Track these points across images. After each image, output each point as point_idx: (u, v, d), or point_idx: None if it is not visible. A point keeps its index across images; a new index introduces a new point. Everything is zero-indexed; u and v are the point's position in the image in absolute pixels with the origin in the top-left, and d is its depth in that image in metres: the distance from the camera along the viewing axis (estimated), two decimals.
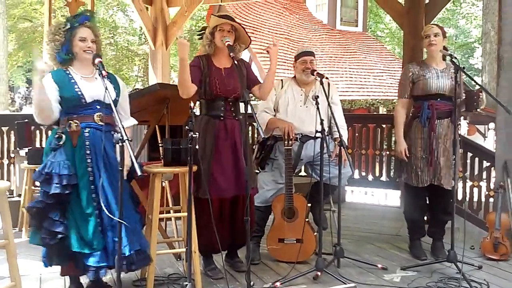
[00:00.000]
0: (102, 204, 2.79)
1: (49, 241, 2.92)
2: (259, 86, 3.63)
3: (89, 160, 2.98)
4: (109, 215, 2.81)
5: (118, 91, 3.11)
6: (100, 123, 3.01)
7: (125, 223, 2.77)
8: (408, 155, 3.91)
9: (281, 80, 4.20)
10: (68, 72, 3.04)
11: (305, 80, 4.01)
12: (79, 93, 2.97)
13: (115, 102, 2.99)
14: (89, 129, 2.99)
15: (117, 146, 2.85)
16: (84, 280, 3.18)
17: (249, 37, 3.61)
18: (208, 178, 3.40)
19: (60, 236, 2.91)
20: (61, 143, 2.96)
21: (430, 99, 3.85)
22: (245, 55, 3.72)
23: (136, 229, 3.10)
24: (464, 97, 3.90)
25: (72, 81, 3.00)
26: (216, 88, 3.46)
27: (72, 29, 3.04)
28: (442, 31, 3.87)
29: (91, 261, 2.93)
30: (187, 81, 3.36)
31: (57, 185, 2.87)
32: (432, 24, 4.06)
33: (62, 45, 3.03)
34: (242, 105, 3.10)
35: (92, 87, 3.02)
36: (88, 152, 2.98)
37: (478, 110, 3.78)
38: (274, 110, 4.04)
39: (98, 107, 3.00)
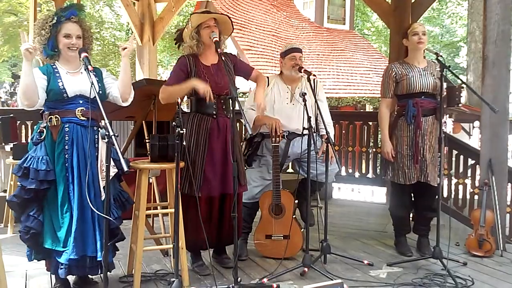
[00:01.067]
0: (75, 203, 2.81)
1: (24, 235, 2.93)
2: (257, 76, 3.67)
3: (66, 156, 2.95)
4: (96, 211, 2.81)
5: (101, 84, 3.08)
6: (82, 118, 2.98)
7: (111, 218, 2.78)
8: (394, 154, 3.94)
9: (267, 77, 4.19)
10: (54, 66, 3.02)
11: (293, 77, 4.00)
12: (61, 87, 2.94)
13: (101, 96, 2.94)
14: (69, 124, 2.97)
15: (100, 142, 2.86)
16: (71, 277, 3.15)
17: (232, 25, 3.58)
18: (200, 176, 3.39)
19: (32, 231, 2.90)
20: (42, 137, 2.95)
21: (414, 97, 3.88)
22: (232, 52, 3.68)
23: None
24: (445, 93, 3.94)
25: (57, 75, 2.98)
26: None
27: (57, 24, 3.00)
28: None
29: (63, 259, 2.92)
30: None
31: (33, 180, 2.86)
32: (418, 23, 4.08)
33: (47, 40, 3.00)
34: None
35: (75, 82, 2.99)
36: (66, 147, 2.95)
37: (459, 105, 3.81)
38: None
39: (81, 101, 2.98)
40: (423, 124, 3.86)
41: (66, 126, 2.96)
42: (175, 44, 3.67)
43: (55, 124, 2.95)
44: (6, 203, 2.95)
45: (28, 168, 2.89)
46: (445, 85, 3.78)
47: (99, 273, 3.05)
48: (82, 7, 3.23)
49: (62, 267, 2.93)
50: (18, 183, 2.96)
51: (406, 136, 3.92)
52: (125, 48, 2.99)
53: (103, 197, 2.93)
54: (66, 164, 2.94)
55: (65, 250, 2.90)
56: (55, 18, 3.01)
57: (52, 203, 2.94)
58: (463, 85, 3.86)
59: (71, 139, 2.95)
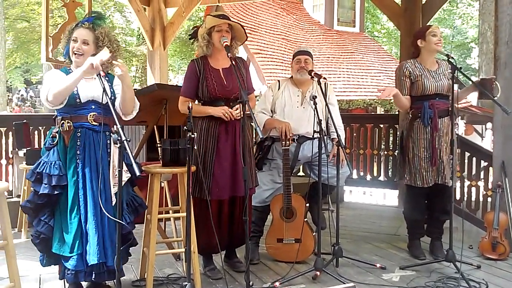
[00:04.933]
0: (90, 208, 2.82)
1: (35, 240, 2.95)
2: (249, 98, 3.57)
3: (78, 161, 2.96)
4: (108, 214, 2.82)
5: (113, 90, 3.11)
6: (94, 123, 3.00)
7: (123, 223, 2.79)
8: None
9: (278, 80, 4.20)
10: (71, 71, 3.05)
11: (300, 80, 4.01)
12: (75, 92, 2.96)
13: (113, 101, 2.97)
14: (81, 129, 2.98)
15: (112, 147, 2.88)
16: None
17: (246, 34, 3.61)
18: (209, 179, 3.41)
19: (42, 236, 2.92)
20: (54, 142, 2.97)
21: (429, 99, 3.86)
22: (243, 56, 3.70)
23: (114, 242, 2.95)
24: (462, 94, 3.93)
25: None
26: (215, 90, 3.46)
27: (74, 29, 3.07)
28: None
29: (69, 264, 2.93)
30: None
31: (46, 185, 2.88)
32: (436, 25, 4.03)
33: (65, 45, 3.10)
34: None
35: (88, 87, 3.01)
36: (78, 152, 2.97)
37: (495, 97, 3.75)
38: (271, 111, 4.04)
39: (93, 107, 3.00)
40: (439, 125, 3.84)
41: (78, 131, 2.97)
42: (190, 39, 3.69)
43: (67, 129, 2.97)
44: (20, 208, 2.98)
45: (41, 173, 2.90)
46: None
47: (108, 279, 3.04)
48: (101, 15, 3.24)
49: (68, 272, 2.94)
50: (32, 188, 2.98)
51: (423, 139, 3.89)
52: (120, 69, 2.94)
53: (113, 202, 2.94)
54: (78, 169, 2.96)
55: (72, 256, 2.91)
56: (75, 24, 3.09)
57: (62, 208, 2.96)
58: (494, 78, 3.81)
59: (83, 144, 2.97)
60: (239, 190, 3.48)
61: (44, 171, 2.90)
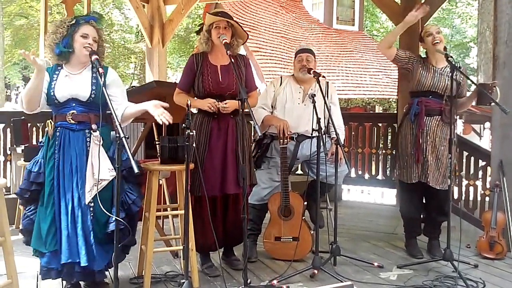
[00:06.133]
0: (65, 204, 2.90)
1: (21, 233, 3.04)
2: (249, 96, 3.54)
3: (54, 160, 2.99)
4: (107, 212, 2.83)
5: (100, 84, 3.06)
6: (72, 121, 2.99)
7: (122, 221, 2.79)
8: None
9: (281, 76, 4.20)
10: (60, 67, 3.06)
11: (302, 78, 4.01)
12: (52, 93, 2.99)
13: (96, 98, 2.96)
14: (60, 128, 3.01)
15: (92, 145, 2.90)
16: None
17: (246, 32, 3.61)
18: (199, 176, 3.40)
19: (24, 229, 3.01)
20: (43, 141, 3.06)
21: (422, 95, 3.87)
22: (241, 53, 3.69)
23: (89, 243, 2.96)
24: (465, 95, 3.92)
25: (54, 78, 3.02)
26: (209, 86, 3.46)
27: (76, 24, 3.05)
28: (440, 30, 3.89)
29: (43, 261, 2.98)
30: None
31: (25, 180, 2.97)
32: (430, 24, 4.04)
33: (63, 37, 3.03)
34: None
35: (67, 86, 3.00)
36: (56, 151, 3.00)
37: (491, 104, 3.76)
38: (272, 106, 4.04)
39: (74, 104, 3.00)
40: (426, 123, 3.84)
41: (57, 130, 3.01)
42: (196, 34, 3.70)
43: (49, 128, 3.03)
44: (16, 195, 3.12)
45: (30, 170, 3.00)
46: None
47: (83, 279, 3.07)
48: (102, 17, 3.26)
49: (42, 268, 2.99)
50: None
51: (409, 134, 3.92)
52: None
53: (87, 201, 2.94)
54: (54, 168, 2.98)
55: (45, 253, 2.95)
56: (75, 20, 3.07)
57: (41, 205, 3.00)
58: (495, 83, 3.82)
59: (60, 143, 2.99)
60: (229, 188, 3.48)
61: (28, 167, 3.00)
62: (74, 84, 3.01)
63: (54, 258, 2.94)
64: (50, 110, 3.08)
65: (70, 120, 2.99)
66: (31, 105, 2.98)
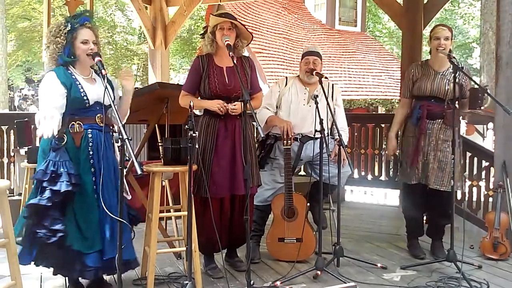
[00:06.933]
0: (104, 206, 2.82)
1: (47, 240, 2.89)
2: (253, 98, 3.56)
3: (91, 161, 3.03)
4: (110, 214, 2.83)
5: (113, 89, 3.16)
6: (101, 124, 3.06)
7: (125, 221, 2.79)
8: (398, 153, 4.04)
9: (286, 77, 4.20)
10: (70, 72, 3.04)
11: (307, 81, 4.01)
12: (83, 95, 3.00)
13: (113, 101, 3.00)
14: (91, 130, 3.04)
15: (116, 145, 2.91)
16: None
17: (251, 33, 3.61)
18: (207, 177, 3.41)
19: (60, 234, 2.89)
20: (62, 143, 2.95)
21: (424, 100, 3.89)
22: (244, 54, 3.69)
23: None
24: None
25: (77, 82, 3.02)
26: (216, 87, 3.46)
27: (72, 30, 3.03)
28: (451, 34, 3.83)
29: (90, 262, 2.97)
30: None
31: (68, 183, 2.89)
32: (443, 25, 3.92)
33: (64, 47, 3.02)
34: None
35: (93, 89, 3.05)
36: (91, 153, 3.03)
37: (481, 108, 3.78)
38: (276, 107, 4.03)
39: (98, 108, 3.05)
40: (428, 127, 3.86)
41: (89, 132, 3.03)
42: (201, 37, 3.70)
43: (78, 130, 3.00)
44: (27, 207, 2.93)
45: (56, 172, 2.89)
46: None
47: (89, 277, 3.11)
48: (92, 14, 3.27)
49: (89, 270, 3.01)
50: (47, 188, 2.90)
51: (411, 137, 3.94)
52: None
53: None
54: (92, 169, 3.02)
55: (91, 253, 2.99)
56: (69, 25, 3.03)
57: (78, 207, 2.99)
58: (486, 86, 3.83)
59: (96, 144, 3.03)
60: (238, 189, 3.48)
61: (62, 170, 2.89)
62: (97, 88, 3.06)
63: (99, 257, 2.99)
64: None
65: (99, 123, 3.06)
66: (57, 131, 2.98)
